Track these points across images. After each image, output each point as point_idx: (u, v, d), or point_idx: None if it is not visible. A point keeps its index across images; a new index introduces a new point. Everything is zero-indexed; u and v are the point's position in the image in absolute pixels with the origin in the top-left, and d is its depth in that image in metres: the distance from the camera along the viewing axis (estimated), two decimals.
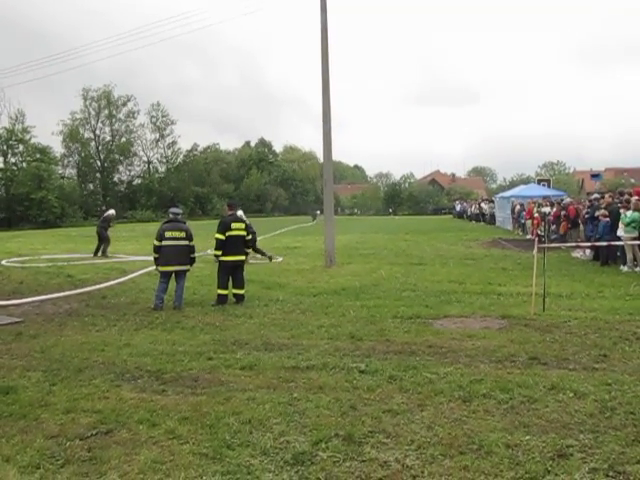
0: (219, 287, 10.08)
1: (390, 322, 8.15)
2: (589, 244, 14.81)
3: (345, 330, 7.66)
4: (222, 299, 9.98)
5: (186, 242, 9.88)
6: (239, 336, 7.52)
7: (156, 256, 9.88)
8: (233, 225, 10.18)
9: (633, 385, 5.11)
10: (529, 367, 5.80)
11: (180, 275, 9.88)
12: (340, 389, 5.24)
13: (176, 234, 9.75)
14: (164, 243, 9.69)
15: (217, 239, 10.10)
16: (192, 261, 10.14)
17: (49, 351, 6.90)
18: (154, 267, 10.31)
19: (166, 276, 9.82)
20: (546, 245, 10.34)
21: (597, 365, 5.83)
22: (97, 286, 12.12)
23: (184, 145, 75.24)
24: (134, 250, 21.16)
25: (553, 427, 4.25)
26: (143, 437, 4.26)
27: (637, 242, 12.75)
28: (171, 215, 10.10)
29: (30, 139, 57.50)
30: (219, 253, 10.11)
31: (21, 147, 57.17)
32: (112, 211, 21.77)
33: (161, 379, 5.72)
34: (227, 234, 10.05)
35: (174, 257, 9.74)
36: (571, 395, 4.90)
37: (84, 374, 5.91)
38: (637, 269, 13.09)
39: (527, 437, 4.07)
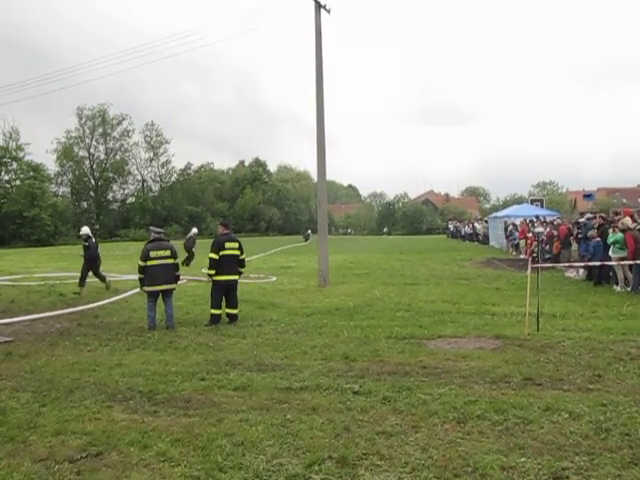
0: (212, 307, 10.03)
1: (384, 342, 8.11)
2: (582, 264, 14.88)
3: (339, 351, 7.62)
4: (215, 319, 9.92)
5: (172, 260, 9.85)
6: (232, 356, 7.46)
7: (141, 277, 9.82)
8: (227, 244, 10.15)
9: (628, 406, 5.09)
10: (523, 388, 5.77)
11: (167, 294, 9.82)
12: (334, 410, 5.19)
13: (161, 253, 9.72)
14: (149, 263, 9.63)
15: (211, 258, 10.07)
16: (177, 279, 10.17)
17: (39, 371, 6.82)
18: (138, 289, 10.13)
19: (154, 296, 9.73)
20: (539, 265, 10.38)
21: (592, 386, 5.81)
22: (89, 305, 12.04)
23: (180, 163, 75.63)
24: (127, 269, 21.06)
25: (548, 449, 4.22)
26: (134, 459, 4.20)
27: (625, 262, 12.82)
28: (154, 235, 10.01)
29: (24, 157, 57.66)
30: (212, 272, 10.07)
31: (15, 165, 57.16)
32: (195, 229, 23.90)
33: (153, 400, 5.65)
34: (221, 253, 10.02)
35: (161, 276, 9.69)
36: (566, 416, 4.87)
37: (75, 395, 5.84)
38: (628, 289, 13.13)
39: (522, 459, 4.04)
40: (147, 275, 9.68)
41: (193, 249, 22.11)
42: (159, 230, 10.24)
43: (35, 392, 5.94)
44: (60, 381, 6.35)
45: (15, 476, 3.93)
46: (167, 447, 4.39)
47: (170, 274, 9.85)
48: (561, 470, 3.86)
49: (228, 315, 10.11)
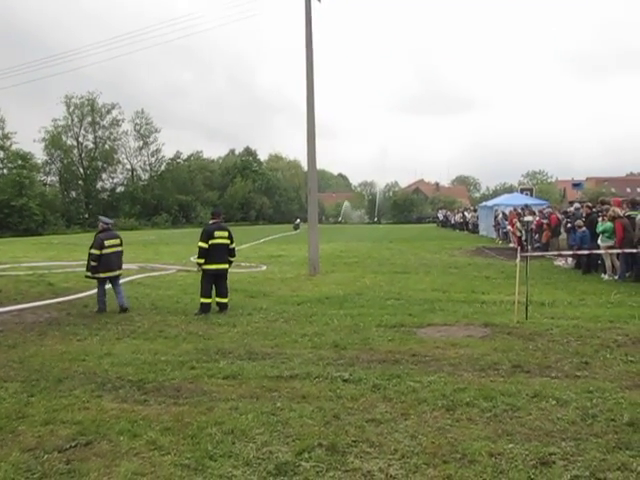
0: (202, 296, 10.00)
1: (374, 331, 8.14)
2: (571, 252, 14.99)
3: (329, 339, 7.64)
4: (205, 308, 9.90)
5: (121, 248, 10.70)
6: (222, 345, 7.46)
7: (94, 264, 10.27)
8: (216, 233, 10.10)
9: (614, 392, 5.15)
10: (512, 375, 5.82)
11: (117, 279, 10.60)
12: (323, 398, 5.21)
13: (113, 242, 10.47)
14: (104, 251, 10.27)
15: (200, 247, 10.03)
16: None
17: (28, 361, 6.78)
18: (90, 274, 10.55)
19: (105, 281, 10.43)
20: (529, 254, 10.43)
21: (579, 373, 5.87)
22: (78, 295, 11.98)
23: (172, 151, 75.01)
24: None
25: (536, 435, 4.26)
26: (124, 448, 4.19)
27: (613, 251, 12.93)
28: (104, 225, 10.69)
29: (11, 145, 57.00)
30: (202, 261, 10.05)
31: (1, 153, 56.54)
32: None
33: (143, 389, 5.65)
34: (210, 242, 9.98)
35: (115, 263, 10.48)
36: (553, 403, 4.92)
37: (64, 384, 5.82)
38: (615, 277, 13.25)
39: (510, 445, 4.08)
40: (102, 262, 10.25)
41: None
42: (108, 221, 10.91)
43: (24, 382, 5.91)
44: (49, 371, 6.33)
45: (3, 466, 3.91)
46: (157, 436, 4.39)
47: (121, 261, 10.71)
48: (548, 455, 3.90)
49: (218, 304, 10.10)
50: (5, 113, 58.51)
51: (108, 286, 10.56)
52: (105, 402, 5.25)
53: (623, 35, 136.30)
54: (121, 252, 10.66)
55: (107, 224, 10.68)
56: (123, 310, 10.14)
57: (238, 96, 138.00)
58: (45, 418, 4.82)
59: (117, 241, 10.55)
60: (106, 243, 10.27)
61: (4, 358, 6.95)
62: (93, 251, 10.23)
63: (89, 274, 10.55)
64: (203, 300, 9.97)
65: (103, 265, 10.23)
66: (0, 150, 56.49)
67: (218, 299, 10.14)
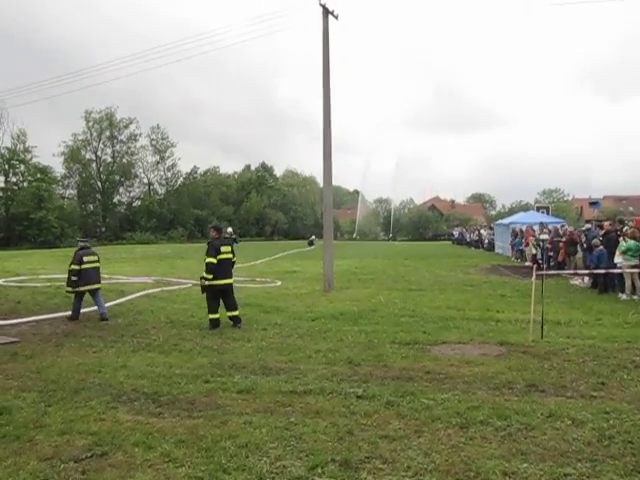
0: (211, 312, 10.05)
1: (388, 347, 8.12)
2: (587, 272, 14.85)
3: (343, 355, 7.64)
4: (215, 323, 9.96)
5: (98, 264, 11.53)
6: (236, 360, 7.49)
7: (75, 279, 10.94)
8: (222, 249, 10.16)
9: (631, 414, 5.09)
10: (527, 394, 5.78)
11: (97, 291, 11.31)
12: (337, 414, 5.22)
13: (92, 258, 11.34)
14: (84, 267, 11.06)
15: (209, 263, 9.99)
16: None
17: (45, 372, 6.88)
18: (71, 289, 11.10)
19: (83, 294, 11.10)
20: (544, 272, 10.38)
21: (595, 393, 5.82)
22: (94, 307, 12.08)
23: (190, 165, 75.73)
24: (133, 272, 21.16)
25: (551, 455, 4.23)
26: (138, 460, 4.23)
27: (636, 270, 12.78)
28: (81, 244, 11.53)
29: (31, 159, 57.85)
30: (210, 277, 10.02)
31: (22, 167, 57.42)
32: (230, 229, 28.67)
33: (157, 402, 5.69)
34: (218, 257, 10.03)
35: (94, 277, 11.29)
36: (569, 423, 4.88)
37: (80, 395, 5.89)
38: (635, 297, 13.10)
39: (524, 465, 4.05)
40: (82, 277, 11.01)
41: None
42: (85, 239, 11.91)
43: (41, 392, 6.00)
44: (65, 382, 6.41)
45: (21, 474, 3.97)
46: (171, 448, 4.43)
47: (99, 275, 11.55)
48: (563, 476, 3.88)
49: (231, 318, 10.13)
50: (27, 127, 59.61)
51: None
52: (120, 414, 5.31)
53: None
54: (98, 267, 11.55)
55: (85, 242, 11.66)
56: (104, 319, 10.82)
57: (255, 112, 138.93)
58: (62, 428, 4.89)
59: (95, 257, 11.46)
60: (85, 259, 11.10)
61: (22, 368, 7.05)
62: (73, 267, 11.01)
63: (69, 289, 11.17)
64: (212, 316, 10.01)
65: (83, 279, 11.01)
66: (21, 163, 57.28)
67: (230, 313, 10.17)
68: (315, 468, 4.04)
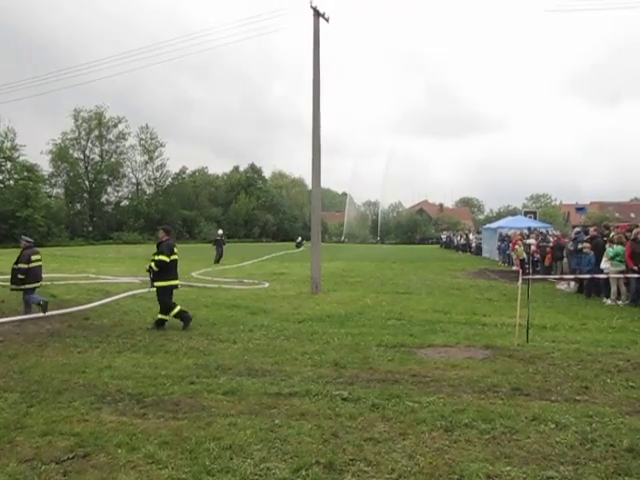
0: (167, 311, 10.06)
1: (374, 350, 8.13)
2: (573, 276, 14.97)
3: (329, 357, 7.64)
4: (162, 323, 10.05)
5: (41, 262, 11.83)
6: (222, 361, 7.46)
7: (22, 277, 11.18)
8: (175, 249, 10.33)
9: (613, 417, 5.13)
10: (511, 398, 5.81)
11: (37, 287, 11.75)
12: (322, 416, 5.21)
13: (37, 257, 11.63)
14: (31, 265, 11.34)
15: (161, 260, 10.00)
16: None
17: (28, 372, 6.80)
18: (16, 286, 11.35)
19: (33, 290, 11.46)
20: (531, 277, 10.44)
21: (579, 397, 5.85)
22: (80, 307, 12.01)
23: (179, 165, 75.48)
24: (120, 272, 21.02)
25: (534, 458, 4.25)
26: (121, 461, 4.20)
27: (622, 275, 12.90)
28: (26, 243, 11.69)
29: (18, 157, 57.34)
30: (160, 273, 10.03)
31: (9, 164, 56.92)
32: (220, 231, 29.78)
33: (142, 402, 5.65)
34: (171, 257, 10.11)
35: (40, 274, 11.71)
36: (552, 426, 4.91)
37: (63, 396, 5.83)
38: (619, 302, 13.23)
39: (508, 468, 4.07)
40: (30, 275, 11.29)
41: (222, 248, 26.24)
42: (30, 239, 11.97)
43: (23, 392, 5.93)
44: (49, 382, 6.34)
45: (0, 477, 3.91)
46: (155, 449, 4.39)
47: (41, 272, 11.88)
48: (546, 479, 3.89)
49: (181, 318, 10.07)
50: (15, 125, 59.19)
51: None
52: (104, 415, 5.26)
53: (633, 60, 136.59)
54: (41, 265, 11.86)
55: (29, 242, 11.75)
56: (43, 304, 11.11)
57: (245, 113, 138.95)
58: (43, 429, 4.83)
59: (39, 256, 11.77)
60: (32, 258, 11.37)
61: (4, 368, 6.97)
62: (21, 265, 11.23)
63: (14, 287, 11.40)
64: (162, 316, 10.05)
65: (31, 277, 11.33)
66: (7, 161, 56.80)
67: (174, 312, 10.11)
68: (299, 470, 4.03)
